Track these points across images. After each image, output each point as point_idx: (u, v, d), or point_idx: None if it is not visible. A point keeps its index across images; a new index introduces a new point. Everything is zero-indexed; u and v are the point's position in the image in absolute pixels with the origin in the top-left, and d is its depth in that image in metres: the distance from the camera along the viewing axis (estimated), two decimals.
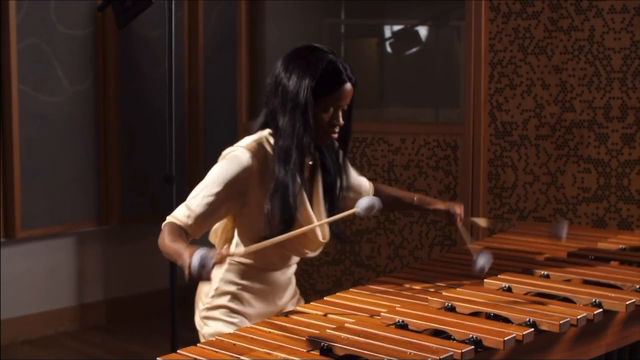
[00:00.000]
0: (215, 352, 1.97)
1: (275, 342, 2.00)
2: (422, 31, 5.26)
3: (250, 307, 2.55)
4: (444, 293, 2.35)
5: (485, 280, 2.49)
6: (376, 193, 2.75)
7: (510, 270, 2.63)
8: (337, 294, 2.47)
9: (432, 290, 2.46)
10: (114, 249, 5.36)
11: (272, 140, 2.43)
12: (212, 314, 2.56)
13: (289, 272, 2.63)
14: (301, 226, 2.41)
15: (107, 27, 5.05)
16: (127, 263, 5.44)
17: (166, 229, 2.40)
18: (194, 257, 2.12)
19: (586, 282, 2.49)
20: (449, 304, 2.23)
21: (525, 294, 2.38)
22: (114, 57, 5.12)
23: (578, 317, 2.13)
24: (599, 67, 3.93)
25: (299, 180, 2.40)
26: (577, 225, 3.95)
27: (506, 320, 2.12)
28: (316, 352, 1.92)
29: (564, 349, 2.16)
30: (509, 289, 2.42)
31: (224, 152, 2.46)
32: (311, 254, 2.55)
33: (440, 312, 2.19)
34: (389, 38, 5.36)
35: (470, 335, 1.97)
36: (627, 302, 2.25)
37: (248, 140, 2.45)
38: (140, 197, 5.35)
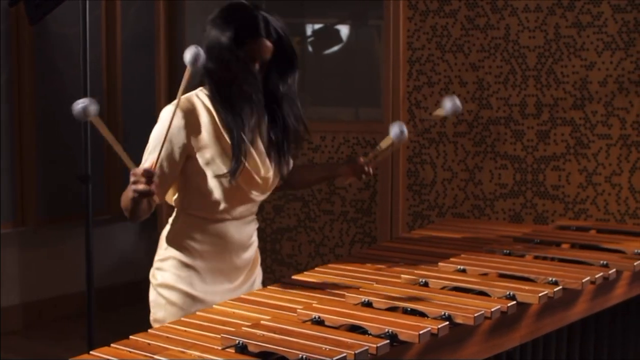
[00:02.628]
0: (129, 352, 1.93)
1: (190, 341, 1.97)
2: (343, 30, 5.28)
3: (201, 260, 2.62)
4: (361, 289, 2.35)
5: (402, 275, 2.50)
6: (295, 171, 2.85)
7: (427, 265, 2.64)
8: (254, 291, 2.46)
9: (350, 286, 2.46)
10: (30, 251, 5.24)
11: (202, 95, 2.57)
12: (163, 266, 2.65)
13: (246, 229, 2.68)
14: (248, 170, 2.54)
15: (21, 23, 4.94)
16: (43, 265, 5.32)
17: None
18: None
19: (501, 276, 2.52)
20: (366, 300, 2.23)
21: (442, 288, 2.40)
22: (28, 54, 5.01)
23: (492, 309, 2.15)
24: (514, 65, 3.99)
25: (245, 124, 2.52)
26: (495, 220, 4.01)
27: (422, 314, 2.13)
28: (231, 350, 1.90)
29: (479, 341, 2.17)
30: (426, 284, 2.43)
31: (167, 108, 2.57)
32: (259, 196, 2.64)
33: (357, 308, 2.19)
34: (310, 37, 5.36)
35: (386, 330, 1.97)
36: (540, 294, 2.29)
37: (187, 94, 2.58)
38: (57, 198, 5.25)
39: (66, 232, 5.38)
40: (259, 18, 2.56)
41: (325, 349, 1.84)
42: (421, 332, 1.96)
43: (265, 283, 4.40)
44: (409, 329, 1.97)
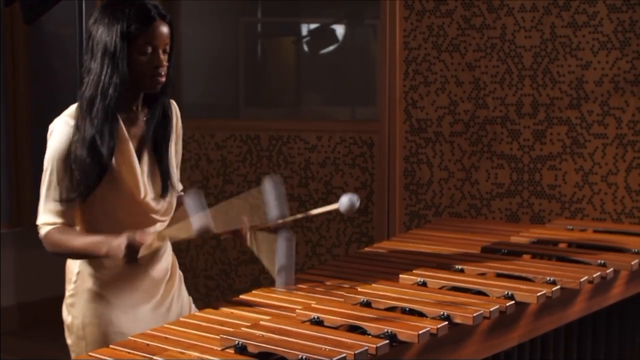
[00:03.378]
0: (128, 352, 1.93)
1: (189, 341, 1.97)
2: (339, 30, 5.28)
3: (113, 287, 2.41)
4: (359, 289, 2.36)
5: (400, 275, 2.50)
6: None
7: (425, 265, 2.65)
8: (253, 292, 2.45)
9: (348, 286, 2.46)
10: (27, 251, 5.23)
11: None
12: (76, 301, 2.45)
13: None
14: (124, 181, 2.32)
15: (16, 23, 4.93)
16: (40, 266, 5.31)
17: (55, 237, 2.32)
18: (123, 242, 2.18)
19: (499, 276, 2.52)
20: (365, 300, 2.23)
21: (440, 288, 2.40)
22: (23, 54, 5.00)
23: (491, 309, 2.15)
24: (510, 64, 3.99)
25: (107, 131, 2.27)
26: (492, 220, 4.01)
27: (421, 314, 2.14)
28: (230, 351, 1.90)
29: (478, 341, 2.18)
30: (424, 284, 2.43)
31: (50, 128, 2.39)
32: (161, 218, 2.41)
33: (356, 308, 2.19)
34: (306, 36, 5.36)
35: (385, 330, 1.98)
36: (538, 294, 2.29)
37: (70, 110, 2.38)
38: None
39: None
40: (147, 4, 2.31)
41: (325, 349, 1.85)
42: (420, 332, 1.96)
43: (262, 284, 4.41)
44: (408, 329, 1.98)
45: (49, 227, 2.33)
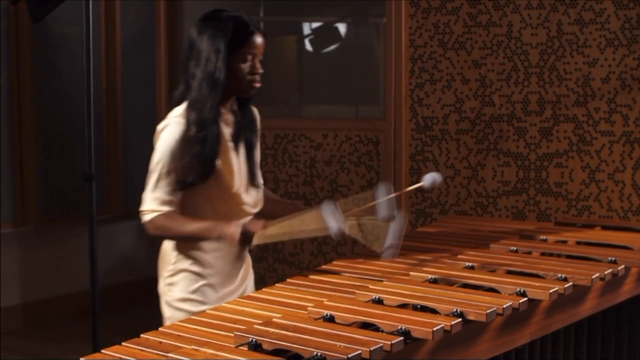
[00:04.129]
0: (141, 350, 1.92)
1: (203, 339, 1.96)
2: (342, 28, 5.27)
3: (210, 267, 2.69)
4: (370, 286, 2.34)
5: (411, 273, 2.49)
6: (266, 196, 2.85)
7: (434, 262, 2.64)
8: (263, 289, 2.44)
9: (358, 284, 2.45)
10: (30, 251, 5.22)
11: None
12: (174, 280, 2.69)
13: None
14: (224, 179, 2.61)
15: (21, 22, 4.92)
16: (43, 265, 5.31)
17: (163, 220, 2.58)
18: (231, 231, 2.51)
19: (510, 273, 2.51)
20: (377, 297, 2.22)
21: (451, 285, 2.39)
22: (28, 53, 4.99)
23: (504, 306, 2.14)
24: (517, 62, 3.98)
25: (216, 131, 2.58)
26: (498, 217, 4.00)
27: (433, 311, 2.13)
28: (244, 348, 1.89)
29: (491, 338, 2.17)
30: (435, 281, 2.42)
31: (159, 128, 2.61)
32: (251, 209, 2.71)
33: (368, 305, 2.18)
34: (308, 35, 5.35)
35: (399, 327, 1.97)
36: (551, 291, 2.28)
37: (177, 111, 2.61)
38: (57, 198, 5.23)
39: (66, 232, 5.36)
40: (246, 18, 2.63)
41: (340, 346, 1.84)
42: (435, 329, 1.95)
43: (268, 282, 4.41)
44: (422, 326, 1.97)
45: (155, 214, 2.59)
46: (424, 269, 2.54)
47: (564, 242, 2.95)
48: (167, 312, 2.72)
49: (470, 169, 4.09)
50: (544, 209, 3.98)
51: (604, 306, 2.62)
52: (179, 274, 2.69)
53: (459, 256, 2.71)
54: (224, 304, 2.29)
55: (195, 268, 2.68)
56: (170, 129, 2.58)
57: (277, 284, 2.52)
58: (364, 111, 5.05)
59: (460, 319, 2.04)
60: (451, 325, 2.00)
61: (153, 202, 2.60)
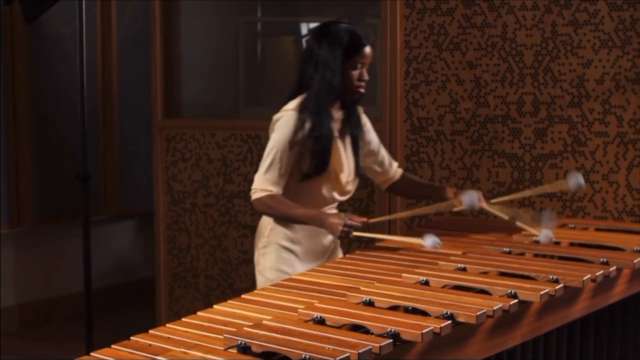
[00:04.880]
0: (131, 353, 1.93)
1: (192, 341, 1.96)
2: None
3: (298, 244, 3.06)
4: (362, 288, 2.35)
5: (403, 274, 2.50)
6: (402, 179, 3.34)
7: (427, 264, 2.64)
8: (255, 291, 2.45)
9: (350, 286, 2.45)
10: (26, 252, 5.22)
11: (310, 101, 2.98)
12: (267, 251, 3.08)
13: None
14: (334, 170, 3.02)
15: (16, 22, 4.92)
16: (40, 266, 5.31)
17: (270, 200, 2.93)
18: (335, 221, 2.86)
19: (502, 274, 2.52)
20: (367, 299, 2.23)
21: (443, 287, 2.39)
22: (23, 54, 4.99)
23: (494, 308, 2.15)
24: (511, 63, 3.99)
25: (330, 128, 2.97)
26: (493, 218, 4.00)
27: (424, 313, 2.13)
28: (234, 350, 1.89)
29: (481, 340, 2.17)
30: (427, 283, 2.43)
31: (275, 118, 3.01)
32: (339, 197, 3.10)
33: (359, 307, 2.18)
34: (305, 36, 5.35)
35: (389, 329, 1.97)
36: (542, 293, 2.29)
37: (293, 104, 2.99)
38: (52, 198, 5.23)
39: (62, 232, 5.36)
40: (359, 32, 3.02)
41: (328, 348, 1.84)
42: (424, 331, 1.96)
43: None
44: (412, 328, 1.97)
45: (265, 193, 2.93)
46: (416, 270, 2.54)
47: (557, 243, 2.96)
48: (259, 279, 3.12)
49: (465, 169, 4.09)
50: (539, 210, 3.98)
51: (595, 307, 2.62)
52: (271, 246, 3.07)
53: (451, 257, 2.71)
54: (215, 307, 2.30)
55: (286, 243, 3.06)
56: (285, 120, 2.96)
57: (269, 286, 2.52)
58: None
59: (450, 321, 2.05)
60: (441, 328, 2.00)
61: (265, 182, 2.94)
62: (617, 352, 2.85)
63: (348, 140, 3.10)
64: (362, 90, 3.04)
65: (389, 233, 4.11)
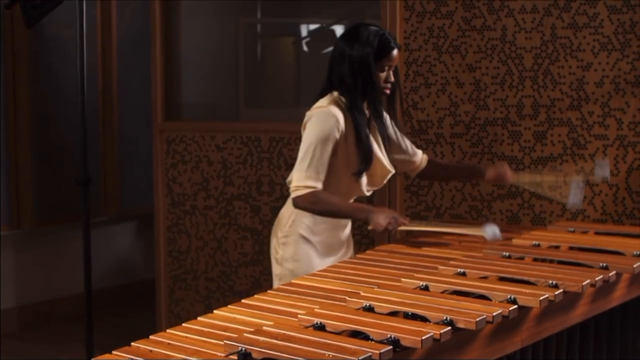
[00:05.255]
0: (132, 359, 1.93)
1: (193, 347, 1.97)
2: (339, 30, 5.27)
3: (318, 236, 3.16)
4: (362, 293, 2.35)
5: (402, 279, 2.50)
6: (430, 164, 3.44)
7: (427, 268, 2.64)
8: (255, 296, 2.45)
9: (350, 290, 2.46)
10: (26, 253, 5.23)
11: (342, 99, 3.10)
12: (287, 241, 3.17)
13: None
14: (374, 167, 3.13)
15: (16, 25, 4.92)
16: (39, 268, 5.31)
17: (313, 197, 2.99)
18: (382, 215, 2.98)
19: (502, 279, 2.52)
20: (367, 304, 2.23)
21: (442, 292, 2.40)
22: (24, 56, 5.00)
23: (494, 314, 2.15)
24: (511, 65, 3.99)
25: (367, 131, 3.10)
26: (493, 221, 4.00)
27: (424, 319, 2.14)
28: (234, 357, 1.90)
29: (481, 345, 2.18)
30: (426, 288, 2.43)
31: (308, 115, 3.09)
32: (369, 191, 3.21)
33: (359, 313, 2.19)
34: (305, 37, 5.36)
35: (389, 335, 1.97)
36: (541, 298, 2.29)
37: (325, 102, 3.10)
38: (52, 200, 5.24)
39: (62, 234, 5.37)
40: (388, 35, 3.10)
41: (329, 355, 1.84)
42: (424, 337, 1.96)
43: (263, 286, 4.41)
44: (412, 335, 1.97)
45: (307, 190, 2.99)
46: (416, 275, 2.55)
47: (557, 247, 2.96)
48: (276, 269, 3.20)
49: None
50: (539, 213, 3.99)
51: (595, 312, 2.62)
52: (292, 236, 3.16)
53: (451, 262, 2.71)
54: (215, 312, 2.30)
55: (307, 234, 3.14)
56: (320, 117, 3.04)
57: (269, 291, 2.53)
58: None
59: (449, 327, 2.05)
60: (440, 334, 2.01)
61: (307, 179, 2.99)
62: (616, 356, 2.86)
63: (378, 136, 3.21)
64: (387, 91, 3.14)
65: (389, 241, 4.11)
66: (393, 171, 3.21)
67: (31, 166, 5.11)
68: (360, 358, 1.83)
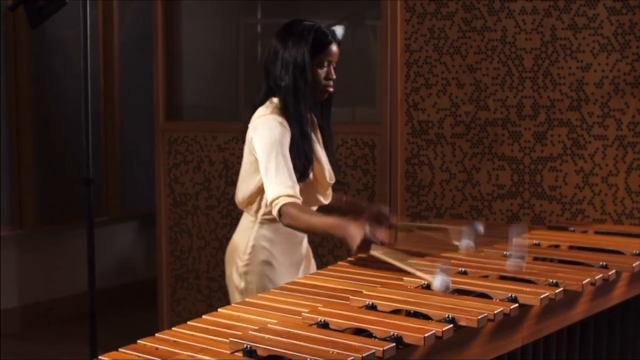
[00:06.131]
0: (138, 356, 1.95)
1: (199, 345, 1.99)
2: (338, 30, 5.30)
3: (279, 257, 2.98)
4: (365, 292, 2.38)
5: (404, 278, 2.53)
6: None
7: (428, 267, 2.66)
8: (258, 295, 2.48)
9: (353, 289, 2.48)
10: (28, 253, 5.25)
11: (282, 103, 2.87)
12: (251, 269, 2.97)
13: None
14: (315, 177, 2.91)
15: (19, 26, 4.95)
16: (42, 268, 5.33)
17: (293, 211, 2.73)
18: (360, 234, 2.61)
19: (502, 278, 2.54)
20: (370, 303, 2.26)
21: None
22: (26, 57, 5.02)
23: (495, 312, 2.18)
24: (511, 66, 4.02)
25: (310, 134, 2.89)
26: (493, 221, 4.04)
27: (426, 317, 2.16)
28: (239, 354, 1.92)
29: (482, 343, 2.20)
30: (428, 287, 2.45)
31: (254, 125, 2.87)
32: (324, 201, 2.99)
33: (362, 311, 2.21)
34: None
35: (391, 333, 2.00)
36: (542, 296, 2.31)
37: (266, 109, 2.88)
38: (55, 200, 5.26)
39: (64, 234, 5.39)
40: (324, 29, 2.92)
41: (333, 352, 1.87)
42: (426, 334, 1.99)
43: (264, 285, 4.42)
44: (414, 332, 2.00)
45: (286, 200, 2.73)
46: (418, 273, 2.57)
47: (557, 246, 2.99)
48: (238, 298, 2.96)
49: (465, 172, 4.12)
50: (539, 212, 4.02)
51: (595, 310, 2.65)
52: (252, 265, 2.96)
53: (452, 261, 2.74)
54: (219, 310, 2.32)
55: (268, 258, 2.96)
56: (268, 123, 2.82)
57: (272, 289, 2.55)
58: (360, 113, 5.08)
59: (451, 325, 2.08)
60: (442, 331, 2.03)
61: (281, 188, 2.74)
62: (616, 354, 2.88)
63: (320, 139, 3.02)
64: (330, 89, 2.95)
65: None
66: (333, 180, 3.02)
67: (33, 167, 5.13)
68: (364, 355, 1.86)
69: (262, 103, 2.94)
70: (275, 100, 2.91)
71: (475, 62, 4.07)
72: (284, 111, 2.86)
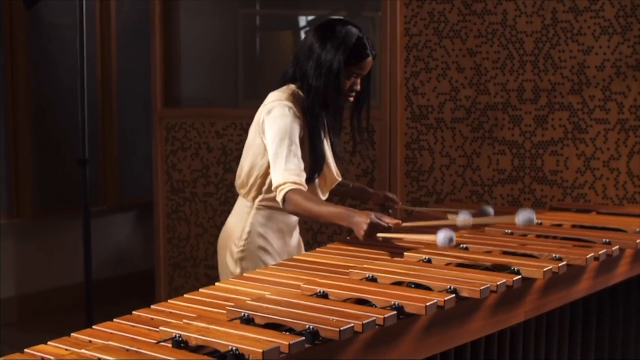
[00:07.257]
0: (132, 326, 1.93)
1: (195, 315, 1.95)
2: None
3: (274, 243, 2.92)
4: (365, 266, 2.34)
5: (405, 253, 2.49)
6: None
7: (429, 244, 2.63)
8: (257, 270, 2.44)
9: (352, 265, 2.44)
10: (26, 243, 5.21)
11: (301, 94, 2.82)
12: (247, 255, 2.90)
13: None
14: (325, 176, 2.89)
15: (15, 12, 4.91)
16: (39, 258, 5.30)
17: (298, 199, 2.66)
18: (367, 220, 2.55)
19: (505, 253, 2.51)
20: (370, 275, 2.22)
21: (447, 265, 2.38)
22: (23, 44, 4.98)
23: (498, 283, 2.14)
24: (512, 50, 3.98)
25: (322, 135, 2.85)
26: (494, 206, 3.99)
27: (427, 288, 2.12)
28: (237, 322, 1.88)
29: (485, 316, 2.16)
30: (429, 261, 2.42)
31: (269, 107, 2.80)
32: (323, 198, 2.94)
33: (362, 283, 2.18)
34: (304, 28, 5.35)
35: (393, 303, 1.96)
36: (545, 270, 2.28)
37: (282, 94, 2.82)
38: (52, 189, 5.22)
39: (62, 223, 5.35)
40: (365, 40, 2.82)
41: (333, 320, 1.83)
42: (428, 304, 1.95)
43: None
44: (416, 302, 1.97)
45: (292, 187, 2.68)
46: (419, 249, 2.53)
47: (560, 225, 2.95)
48: (230, 265, 2.94)
49: (465, 157, 4.08)
50: (540, 197, 3.98)
51: (598, 287, 2.61)
52: (249, 250, 2.90)
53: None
54: (217, 284, 2.29)
55: (264, 244, 2.92)
56: (283, 111, 2.76)
57: (271, 265, 2.51)
58: None
59: (454, 295, 2.04)
60: (445, 301, 2.00)
61: (289, 174, 2.69)
62: (619, 331, 2.85)
63: (329, 142, 2.98)
64: (350, 99, 2.89)
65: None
66: (339, 179, 3.01)
67: (31, 156, 5.09)
68: (364, 322, 1.82)
69: (281, 85, 2.88)
70: (292, 87, 2.85)
71: (476, 45, 4.03)
72: (304, 107, 2.81)
